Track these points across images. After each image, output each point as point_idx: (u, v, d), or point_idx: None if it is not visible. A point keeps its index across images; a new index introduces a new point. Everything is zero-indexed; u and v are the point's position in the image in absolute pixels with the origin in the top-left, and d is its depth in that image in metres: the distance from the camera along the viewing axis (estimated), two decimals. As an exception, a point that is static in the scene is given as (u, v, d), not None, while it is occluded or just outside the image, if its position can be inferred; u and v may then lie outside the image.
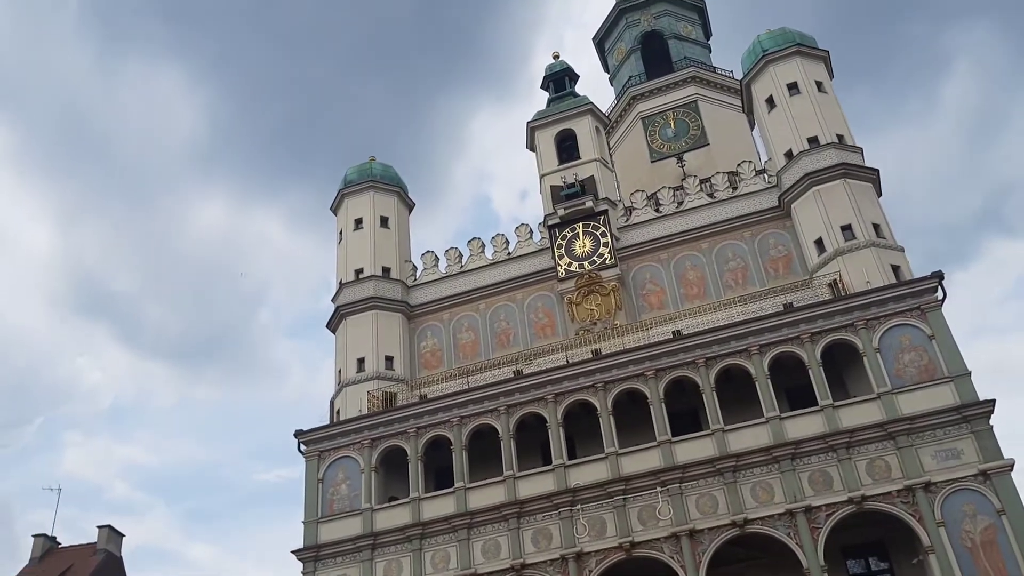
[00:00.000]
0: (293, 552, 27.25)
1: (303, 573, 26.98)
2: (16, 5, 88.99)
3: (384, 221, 35.00)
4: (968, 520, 22.06)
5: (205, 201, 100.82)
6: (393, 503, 27.52)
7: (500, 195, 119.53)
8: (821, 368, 25.09)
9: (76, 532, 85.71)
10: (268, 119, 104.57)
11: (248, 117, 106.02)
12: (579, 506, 25.15)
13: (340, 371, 31.86)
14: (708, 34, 48.62)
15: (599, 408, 26.50)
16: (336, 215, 36.29)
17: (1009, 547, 21.47)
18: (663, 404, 25.96)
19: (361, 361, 31.35)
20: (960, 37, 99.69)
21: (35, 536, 37.56)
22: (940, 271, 25.16)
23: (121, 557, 37.02)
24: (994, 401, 23.07)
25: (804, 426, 24.38)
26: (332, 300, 33.85)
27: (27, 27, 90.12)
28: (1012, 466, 22.35)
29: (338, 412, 30.62)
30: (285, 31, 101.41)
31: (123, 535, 37.30)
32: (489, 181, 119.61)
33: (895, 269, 26.84)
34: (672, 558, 23.69)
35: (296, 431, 29.14)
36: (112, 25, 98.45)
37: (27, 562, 36.59)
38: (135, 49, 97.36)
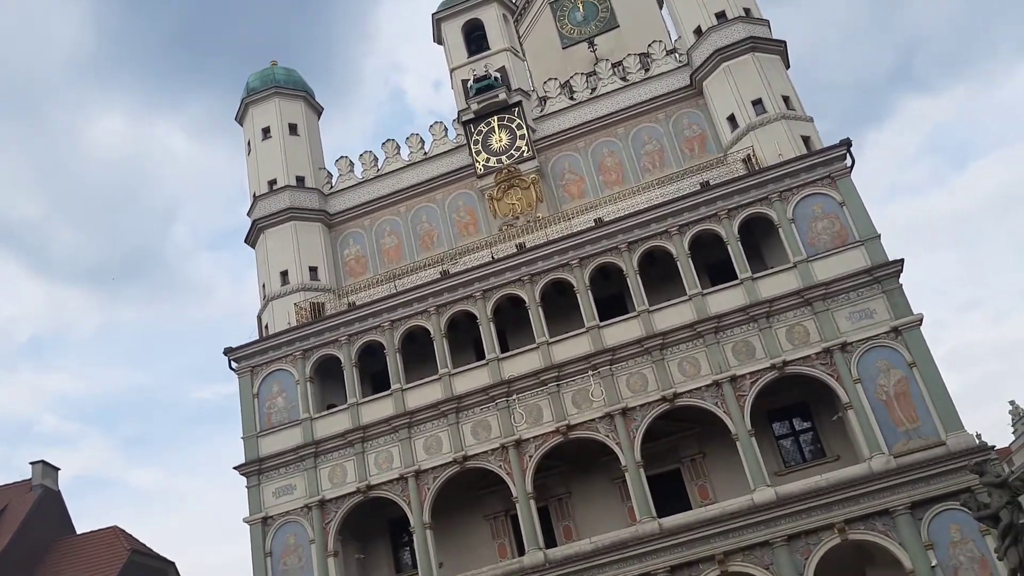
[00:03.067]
0: (235, 468, 27.37)
1: (248, 487, 27.20)
2: None
3: (293, 128, 33.89)
4: (882, 375, 23.32)
5: (103, 116, 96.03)
6: (332, 410, 27.68)
7: (414, 88, 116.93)
8: (739, 242, 25.72)
9: (9, 471, 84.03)
10: (159, 23, 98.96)
11: (137, 21, 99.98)
12: (515, 396, 25.72)
13: (264, 285, 31.36)
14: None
15: (527, 300, 26.81)
16: (242, 126, 34.94)
17: (921, 396, 22.87)
18: (589, 291, 26.39)
19: (284, 274, 30.88)
20: None
21: (-34, 478, 36.69)
22: (848, 139, 25.76)
23: (59, 491, 36.56)
24: (902, 260, 24.06)
25: (725, 300, 25.14)
26: (248, 214, 32.98)
27: None
28: (921, 321, 23.54)
29: (266, 327, 30.31)
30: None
31: (58, 468, 36.68)
32: (401, 74, 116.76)
33: (806, 140, 27.32)
34: (607, 436, 24.57)
35: (225, 349, 28.80)
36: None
37: (-39, 505, 35.76)
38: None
